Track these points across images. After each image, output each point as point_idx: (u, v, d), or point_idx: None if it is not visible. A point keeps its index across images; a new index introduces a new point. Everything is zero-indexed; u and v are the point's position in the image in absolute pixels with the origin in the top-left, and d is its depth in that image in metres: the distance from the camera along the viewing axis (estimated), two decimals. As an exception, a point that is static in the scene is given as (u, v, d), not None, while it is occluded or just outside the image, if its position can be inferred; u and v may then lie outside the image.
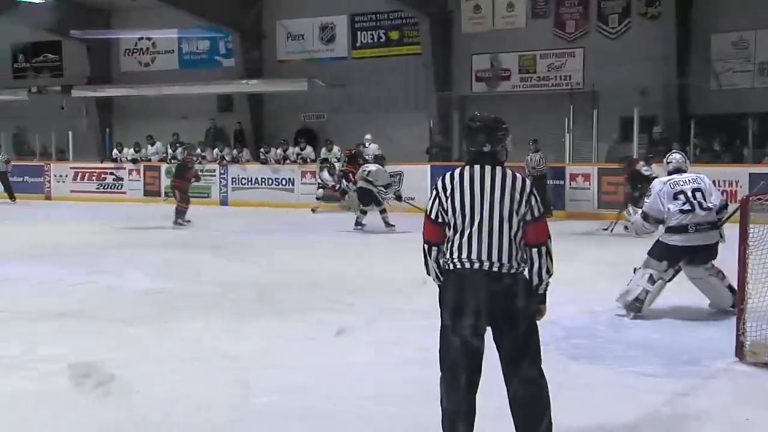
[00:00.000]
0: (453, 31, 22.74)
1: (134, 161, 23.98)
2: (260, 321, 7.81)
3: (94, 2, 26.34)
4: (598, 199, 17.65)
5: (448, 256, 4.13)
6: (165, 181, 23.05)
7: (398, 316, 7.69)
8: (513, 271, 4.06)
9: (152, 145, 24.37)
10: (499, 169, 4.16)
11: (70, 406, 5.39)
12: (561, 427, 4.39)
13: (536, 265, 4.11)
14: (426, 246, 4.21)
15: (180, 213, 16.63)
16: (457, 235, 4.10)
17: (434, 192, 4.21)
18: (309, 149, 21.98)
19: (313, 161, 21.46)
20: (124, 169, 24.06)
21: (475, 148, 4.23)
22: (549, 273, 4.15)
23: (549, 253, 4.15)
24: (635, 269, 7.88)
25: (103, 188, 24.23)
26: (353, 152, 18.31)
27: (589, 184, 17.85)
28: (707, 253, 7.76)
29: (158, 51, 27.50)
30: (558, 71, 21.64)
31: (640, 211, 8.17)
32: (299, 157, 21.83)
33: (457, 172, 4.20)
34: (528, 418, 4.11)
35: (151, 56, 27.71)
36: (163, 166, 23.35)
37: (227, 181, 22.38)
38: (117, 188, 24.01)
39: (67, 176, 24.91)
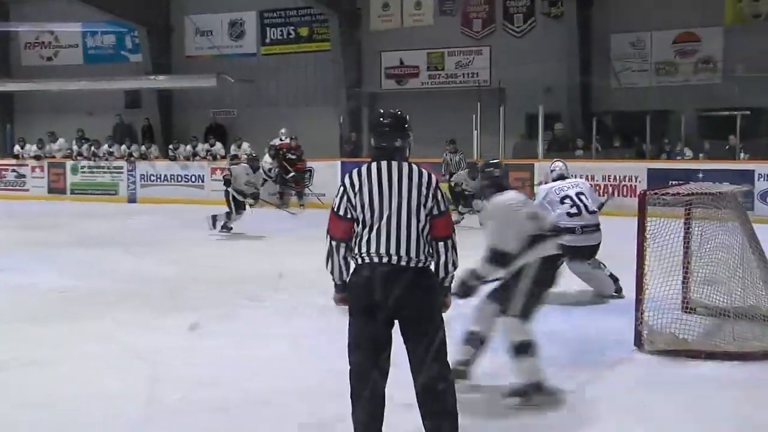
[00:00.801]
0: (362, 28, 22.79)
1: (37, 157, 23.37)
2: (172, 317, 7.75)
3: (-9, -7, 25.63)
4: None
5: (356, 251, 4.17)
6: (70, 178, 22.69)
7: (311, 310, 7.74)
8: (421, 264, 4.12)
9: (54, 141, 23.80)
10: (405, 164, 4.22)
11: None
12: (469, 417, 4.51)
13: (443, 258, 4.17)
14: (334, 243, 4.21)
15: None
16: (366, 230, 4.13)
17: (341, 188, 4.22)
18: (219, 146, 21.79)
19: (223, 158, 21.27)
20: (27, 165, 23.43)
21: (386, 143, 4.29)
22: (455, 266, 4.23)
23: (454, 247, 4.22)
24: None
25: (5, 186, 23.51)
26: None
27: (496, 180, 18.07)
28: (592, 251, 8.31)
29: (61, 45, 26.78)
30: (465, 68, 21.89)
31: None
32: (209, 153, 21.61)
33: (364, 168, 4.22)
34: (434, 409, 4.15)
35: (53, 50, 26.99)
36: (68, 163, 22.87)
37: (135, 178, 21.98)
38: (20, 185, 23.33)
39: (-35, 173, 24.17)
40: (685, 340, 6.51)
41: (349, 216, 4.18)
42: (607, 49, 20.26)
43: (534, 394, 5.29)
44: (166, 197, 20.94)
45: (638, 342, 6.51)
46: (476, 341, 5.65)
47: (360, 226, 4.16)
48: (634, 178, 16.42)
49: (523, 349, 5.37)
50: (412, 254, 4.09)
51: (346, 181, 4.23)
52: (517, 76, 19.54)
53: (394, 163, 4.20)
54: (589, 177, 16.67)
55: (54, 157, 23.42)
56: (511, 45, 21.14)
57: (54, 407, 5.28)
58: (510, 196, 5.61)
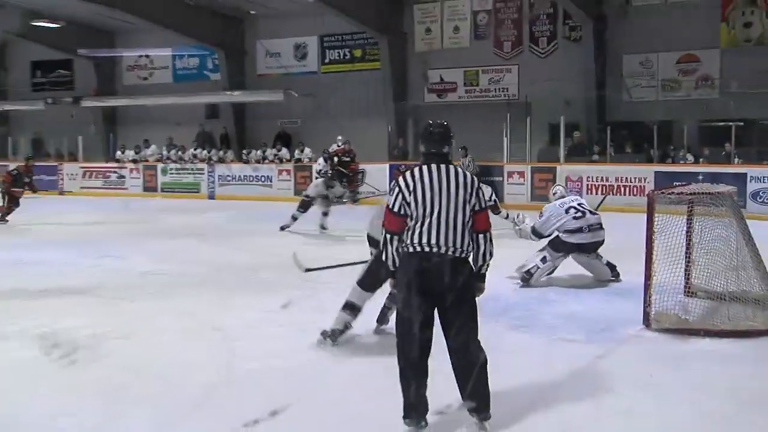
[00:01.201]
0: (408, 49, 22.78)
1: (135, 161, 23.80)
2: (245, 297, 7.79)
3: (101, 25, 25.97)
4: (531, 192, 17.79)
5: (408, 241, 4.14)
6: (161, 178, 23.01)
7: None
8: (464, 255, 4.12)
9: (148, 147, 24.22)
10: (451, 167, 4.21)
11: (86, 368, 5.44)
12: (501, 385, 4.47)
13: (482, 248, 4.18)
14: (389, 235, 4.20)
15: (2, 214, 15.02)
16: (418, 224, 4.11)
17: (396, 189, 4.20)
18: (284, 151, 21.96)
19: (289, 161, 21.45)
20: (126, 168, 23.83)
21: (435, 149, 4.26)
22: (491, 255, 4.22)
23: (491, 239, 4.21)
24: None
25: (108, 185, 23.94)
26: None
27: (524, 180, 17.99)
28: (596, 246, 8.42)
29: (155, 67, 27.19)
30: (497, 84, 21.74)
31: (527, 219, 9.15)
32: (276, 157, 21.79)
33: (416, 170, 4.20)
34: (474, 384, 4.13)
35: (149, 71, 27.40)
36: (159, 166, 23.24)
37: (214, 178, 22.22)
38: (120, 185, 23.74)
39: (77, 174, 24.47)
40: (687, 320, 6.44)
41: (403, 212, 4.16)
42: (619, 67, 20.00)
43: (335, 337, 5.87)
44: (239, 195, 21.12)
45: (646, 321, 6.44)
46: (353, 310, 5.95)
47: (413, 220, 4.15)
48: (643, 180, 16.22)
49: (348, 306, 5.92)
50: (458, 245, 4.10)
51: (401, 182, 4.20)
52: (541, 91, 19.35)
53: (443, 166, 4.19)
54: (605, 178, 16.67)
55: (148, 160, 23.82)
56: (536, 64, 20.97)
57: (145, 371, 5.34)
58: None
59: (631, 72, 19.97)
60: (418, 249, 4.11)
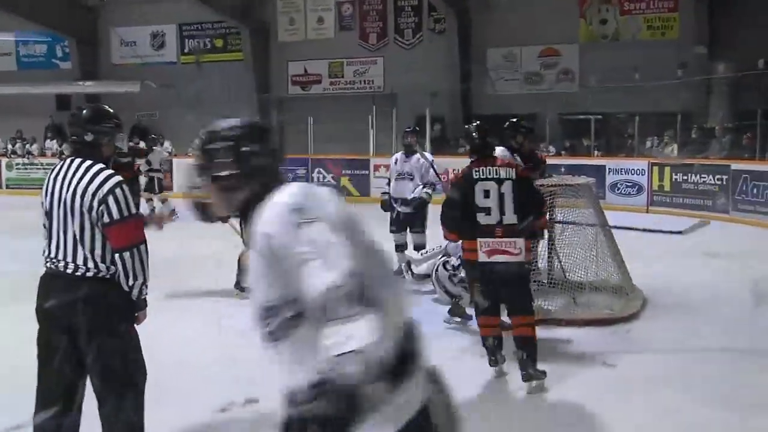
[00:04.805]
0: (271, 40, 22.68)
1: (-25, 156, 22.55)
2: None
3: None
4: (396, 186, 18.00)
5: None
6: (6, 174, 21.86)
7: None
8: (87, 273, 3.42)
9: (-5, 140, 23.06)
10: (86, 164, 3.43)
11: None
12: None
13: (119, 270, 3.40)
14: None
15: None
16: (45, 234, 3.53)
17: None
18: (142, 144, 21.30)
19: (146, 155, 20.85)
20: (-34, 163, 22.54)
21: (76, 135, 3.51)
22: (135, 278, 3.43)
23: (139, 257, 3.43)
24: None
25: (-54, 181, 22.56)
26: None
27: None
28: None
29: (-4, 53, 25.90)
30: (362, 76, 21.98)
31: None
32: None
33: (58, 165, 3.50)
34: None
35: (-13, 58, 26.05)
36: (3, 160, 22.06)
37: (67, 173, 21.35)
38: (-41, 181, 22.43)
39: None
40: (550, 310, 6.69)
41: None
42: (483, 60, 20.64)
43: None
44: (95, 190, 20.33)
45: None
46: None
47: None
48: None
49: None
50: (80, 261, 3.44)
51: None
52: (407, 83, 19.68)
53: (77, 161, 3.45)
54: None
55: (-10, 155, 22.61)
56: (402, 56, 21.32)
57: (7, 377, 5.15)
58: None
59: (495, 65, 20.63)
60: (46, 264, 3.48)
